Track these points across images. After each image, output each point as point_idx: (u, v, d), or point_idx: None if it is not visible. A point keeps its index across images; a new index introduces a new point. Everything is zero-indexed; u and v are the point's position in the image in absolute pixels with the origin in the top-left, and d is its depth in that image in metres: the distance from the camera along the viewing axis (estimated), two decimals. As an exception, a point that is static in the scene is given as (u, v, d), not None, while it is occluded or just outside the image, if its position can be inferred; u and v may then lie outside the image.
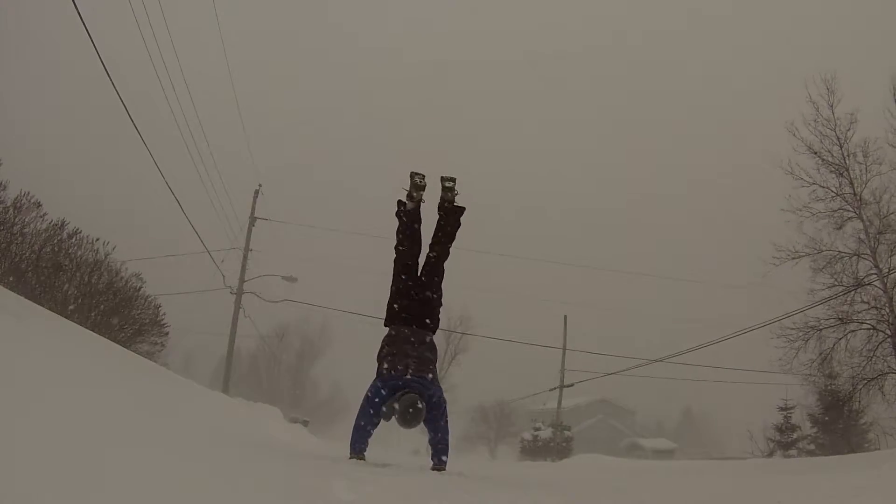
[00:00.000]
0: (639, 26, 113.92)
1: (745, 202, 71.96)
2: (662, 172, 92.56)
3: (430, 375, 4.91)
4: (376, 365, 5.04)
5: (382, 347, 5.09)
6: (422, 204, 5.38)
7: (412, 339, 5.02)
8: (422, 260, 5.37)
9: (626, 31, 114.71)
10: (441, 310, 5.34)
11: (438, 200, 5.44)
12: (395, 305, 5.20)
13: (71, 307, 10.13)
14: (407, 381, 4.70)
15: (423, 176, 5.33)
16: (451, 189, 5.39)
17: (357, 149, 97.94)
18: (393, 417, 4.71)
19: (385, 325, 5.25)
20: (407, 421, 4.58)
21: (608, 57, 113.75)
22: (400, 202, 5.36)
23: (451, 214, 5.39)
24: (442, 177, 5.48)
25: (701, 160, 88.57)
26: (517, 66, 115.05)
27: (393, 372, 4.79)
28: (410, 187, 5.33)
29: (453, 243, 5.45)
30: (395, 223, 5.38)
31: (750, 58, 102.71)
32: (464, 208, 5.43)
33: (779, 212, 15.10)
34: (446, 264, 5.43)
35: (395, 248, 5.36)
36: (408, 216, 5.32)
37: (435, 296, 5.27)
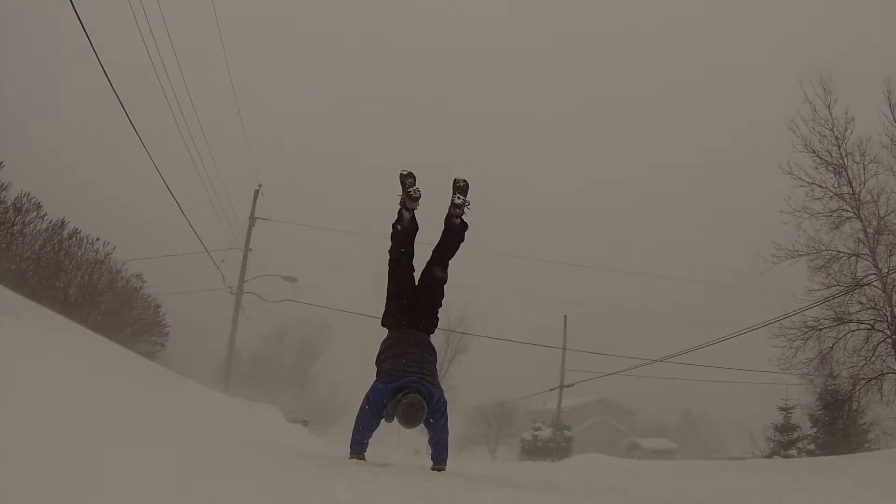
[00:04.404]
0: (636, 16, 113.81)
1: (745, 201, 72.07)
2: (662, 172, 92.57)
3: (430, 376, 4.92)
4: (375, 368, 5.05)
5: (382, 351, 5.10)
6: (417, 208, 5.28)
7: (411, 341, 5.03)
8: (420, 265, 5.34)
9: (627, 15, 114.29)
10: (440, 311, 5.33)
11: (448, 208, 5.32)
12: (392, 309, 5.20)
13: (73, 310, 10.12)
14: (408, 381, 4.70)
15: (417, 188, 5.16)
16: (461, 206, 5.27)
17: (357, 148, 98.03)
18: (395, 418, 4.71)
19: (383, 326, 5.27)
20: (409, 420, 4.57)
21: (605, 43, 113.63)
22: (399, 213, 5.25)
23: (456, 232, 5.34)
24: (454, 180, 5.31)
25: (702, 159, 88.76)
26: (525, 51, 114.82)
27: (393, 373, 4.80)
28: (404, 196, 5.18)
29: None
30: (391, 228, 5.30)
31: (760, 50, 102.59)
32: (467, 225, 5.37)
33: (779, 211, 15.12)
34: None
35: (389, 251, 5.31)
36: (402, 228, 5.23)
37: (433, 300, 5.26)
